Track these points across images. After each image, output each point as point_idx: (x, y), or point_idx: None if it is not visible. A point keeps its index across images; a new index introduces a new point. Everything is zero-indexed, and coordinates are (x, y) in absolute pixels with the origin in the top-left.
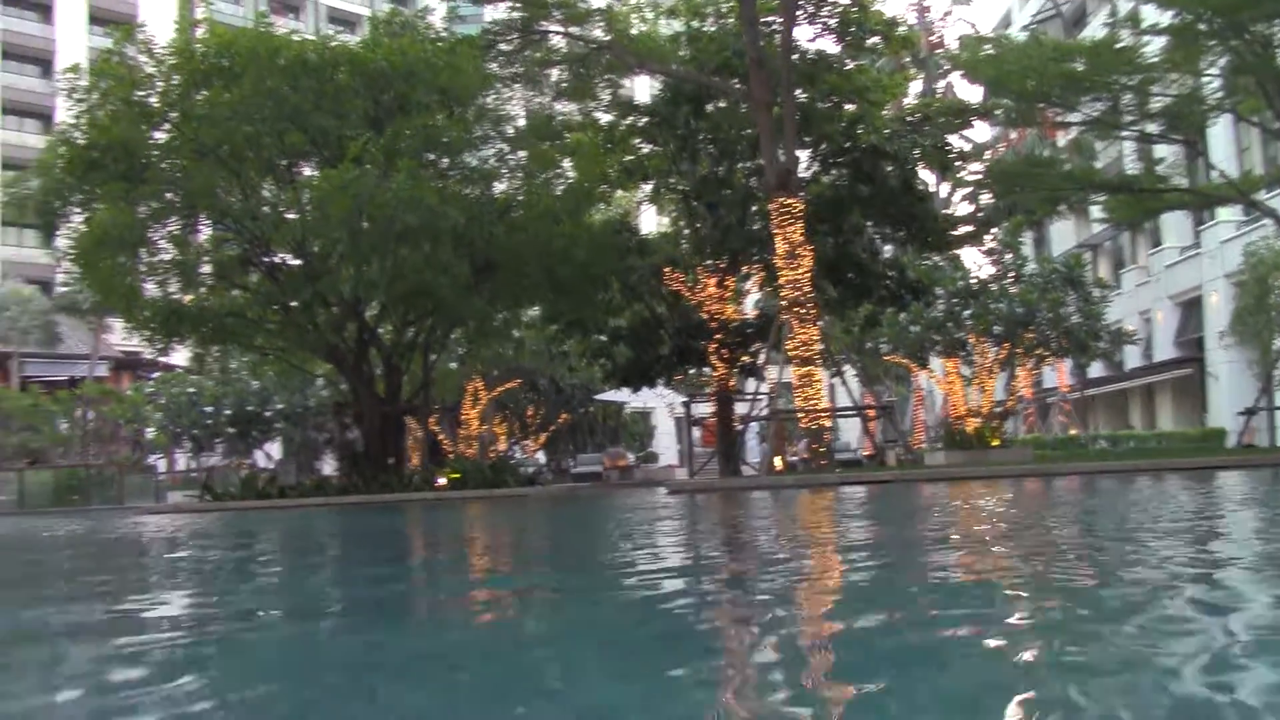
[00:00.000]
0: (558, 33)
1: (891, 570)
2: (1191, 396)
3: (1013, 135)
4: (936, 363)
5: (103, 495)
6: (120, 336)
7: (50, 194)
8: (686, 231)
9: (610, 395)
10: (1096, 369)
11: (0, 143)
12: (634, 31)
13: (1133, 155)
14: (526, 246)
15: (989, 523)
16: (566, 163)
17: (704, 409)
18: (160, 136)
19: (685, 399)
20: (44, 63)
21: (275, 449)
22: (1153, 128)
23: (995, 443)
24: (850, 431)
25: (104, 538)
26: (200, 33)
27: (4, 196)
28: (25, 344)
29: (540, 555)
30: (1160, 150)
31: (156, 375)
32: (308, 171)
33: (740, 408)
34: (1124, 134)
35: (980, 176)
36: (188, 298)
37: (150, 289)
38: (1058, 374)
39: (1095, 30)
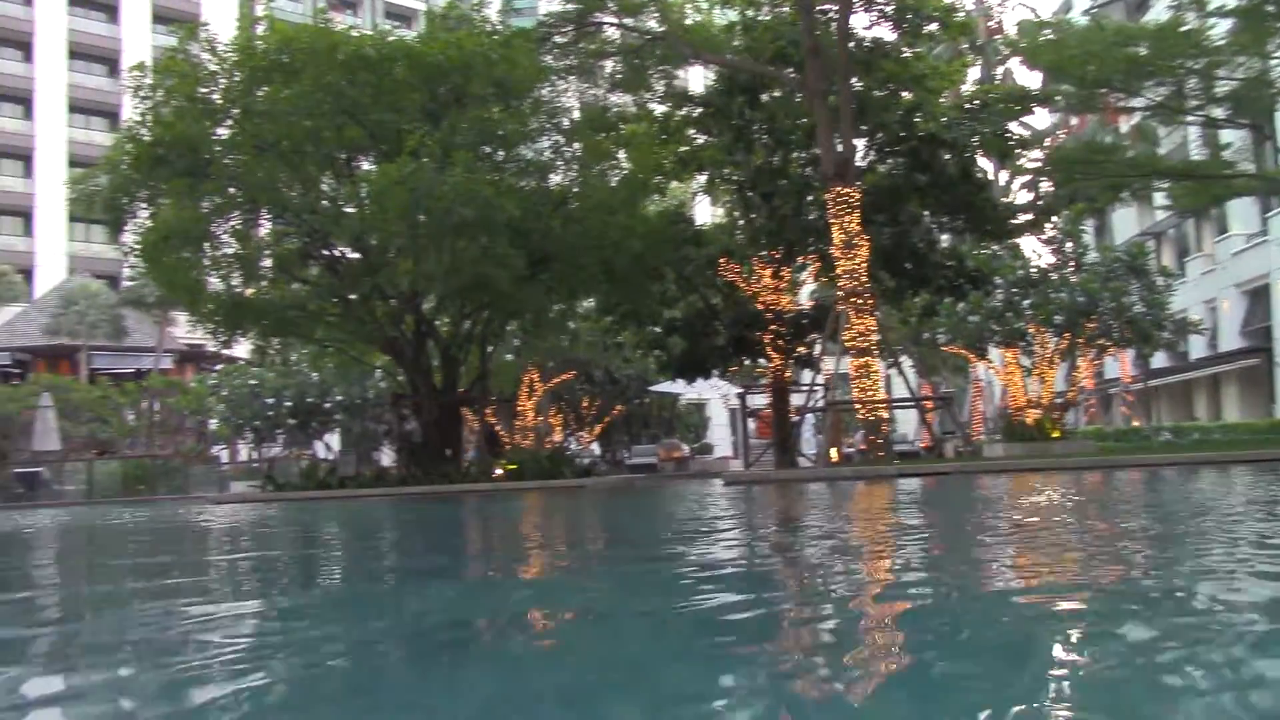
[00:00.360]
0: (612, 24)
1: (1043, 568)
2: (1259, 387)
3: (1073, 122)
4: (995, 353)
5: (168, 485)
6: (184, 330)
7: (117, 190)
8: (741, 222)
9: (665, 387)
10: (1160, 359)
11: (68, 140)
12: (688, 22)
13: (1198, 141)
14: (582, 238)
15: (1089, 517)
16: (621, 154)
17: (759, 400)
18: (223, 132)
19: (740, 390)
20: (110, 62)
21: (334, 440)
22: (1219, 112)
23: (1056, 435)
24: (907, 423)
25: (214, 526)
26: (261, 30)
27: (72, 193)
28: (93, 337)
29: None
30: (1226, 135)
31: (219, 368)
32: (366, 165)
33: (796, 399)
34: (1189, 119)
35: (1040, 164)
36: (250, 291)
37: (213, 283)
38: (1120, 364)
39: (1159, 13)
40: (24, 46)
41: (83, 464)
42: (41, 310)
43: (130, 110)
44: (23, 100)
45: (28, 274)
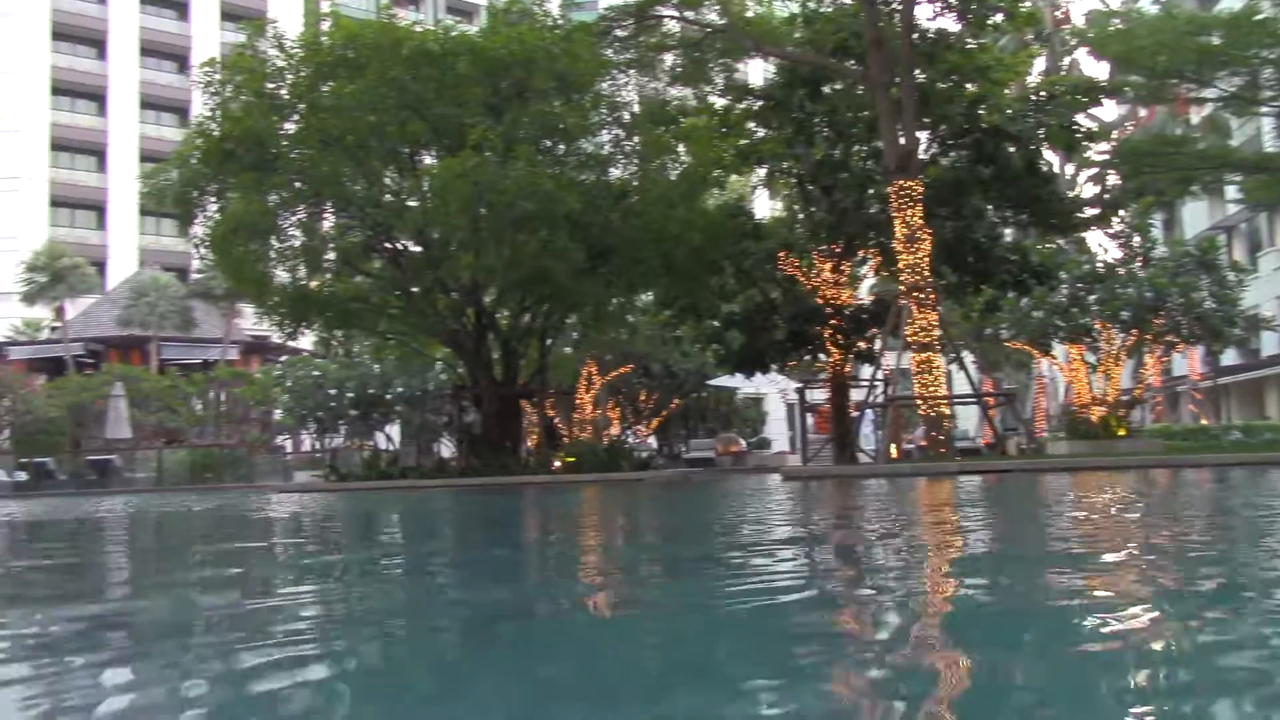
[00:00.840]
0: (673, 17)
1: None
2: None
3: (1142, 113)
4: (1059, 349)
5: (234, 474)
6: (250, 321)
7: (187, 184)
8: (801, 216)
9: (722, 381)
10: (1230, 356)
11: (139, 136)
12: (749, 14)
13: (1272, 132)
14: (641, 232)
15: (1178, 516)
16: (681, 148)
17: (818, 395)
18: (289, 127)
19: (799, 385)
20: (180, 59)
21: (394, 432)
22: None
23: (1122, 432)
24: (967, 420)
25: (298, 512)
26: (327, 26)
27: (144, 188)
28: (163, 328)
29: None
30: None
31: (284, 359)
32: (428, 160)
33: (855, 394)
34: (1263, 110)
35: (1108, 157)
36: (314, 284)
37: (279, 275)
38: (1188, 361)
39: (1233, 2)
40: (98, 45)
41: (152, 452)
42: (114, 302)
43: (200, 106)
44: (97, 97)
45: (101, 267)
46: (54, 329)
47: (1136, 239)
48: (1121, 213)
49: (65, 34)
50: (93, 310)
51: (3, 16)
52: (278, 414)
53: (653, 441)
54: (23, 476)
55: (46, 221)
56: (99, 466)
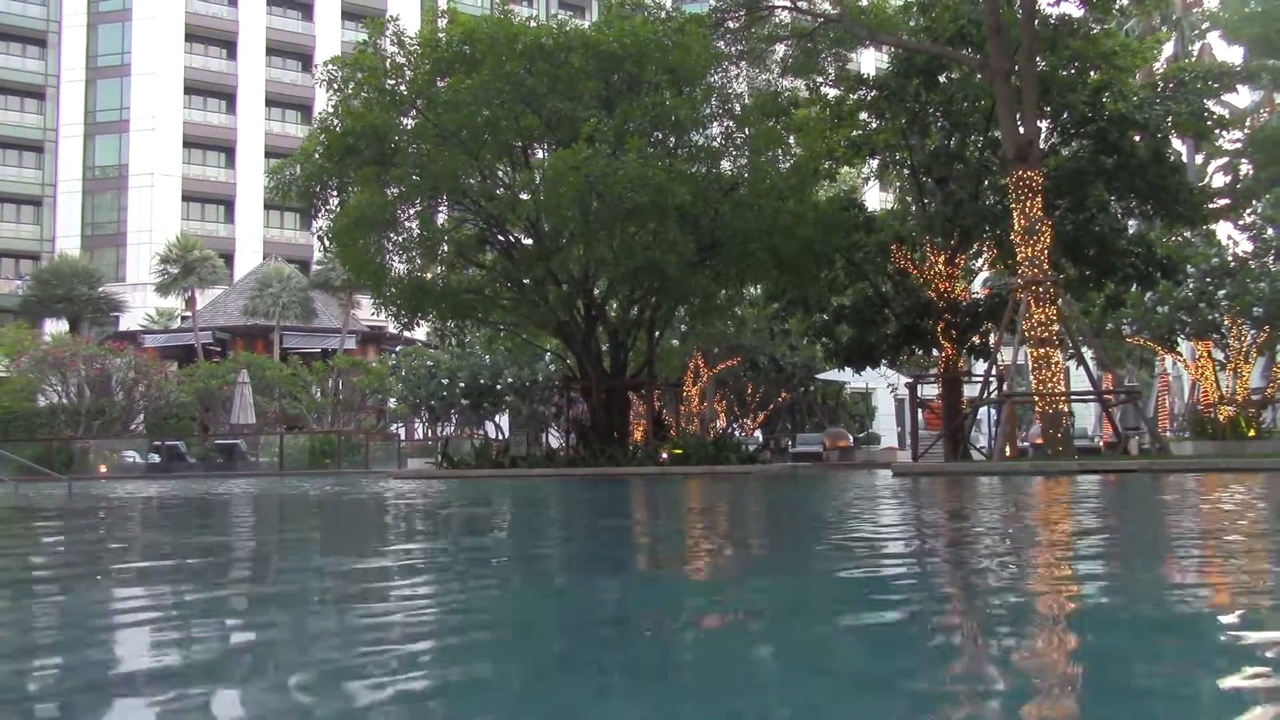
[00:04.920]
0: (785, 8)
1: None
2: None
3: (1278, 99)
4: (1185, 346)
5: (350, 460)
6: (367, 312)
7: (310, 179)
8: (915, 208)
9: (830, 375)
10: None
11: (265, 133)
12: (863, 2)
13: None
14: (751, 224)
15: None
16: (792, 139)
17: (929, 390)
18: (408, 122)
19: (909, 380)
20: (304, 58)
21: (504, 421)
22: None
23: (1251, 433)
24: (1085, 418)
25: (453, 496)
26: (444, 22)
27: (269, 182)
28: (286, 318)
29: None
30: None
31: (399, 349)
32: (540, 153)
33: (968, 390)
34: None
35: (1240, 145)
36: (429, 275)
37: (397, 267)
38: None
39: None
40: (229, 45)
41: (274, 437)
42: (240, 293)
43: (322, 103)
44: (226, 96)
45: (228, 259)
46: (184, 318)
47: (1270, 231)
48: (1254, 203)
49: (197, 35)
50: (220, 300)
51: (144, 20)
52: (392, 402)
53: (759, 435)
54: (156, 459)
55: (179, 215)
56: (225, 451)
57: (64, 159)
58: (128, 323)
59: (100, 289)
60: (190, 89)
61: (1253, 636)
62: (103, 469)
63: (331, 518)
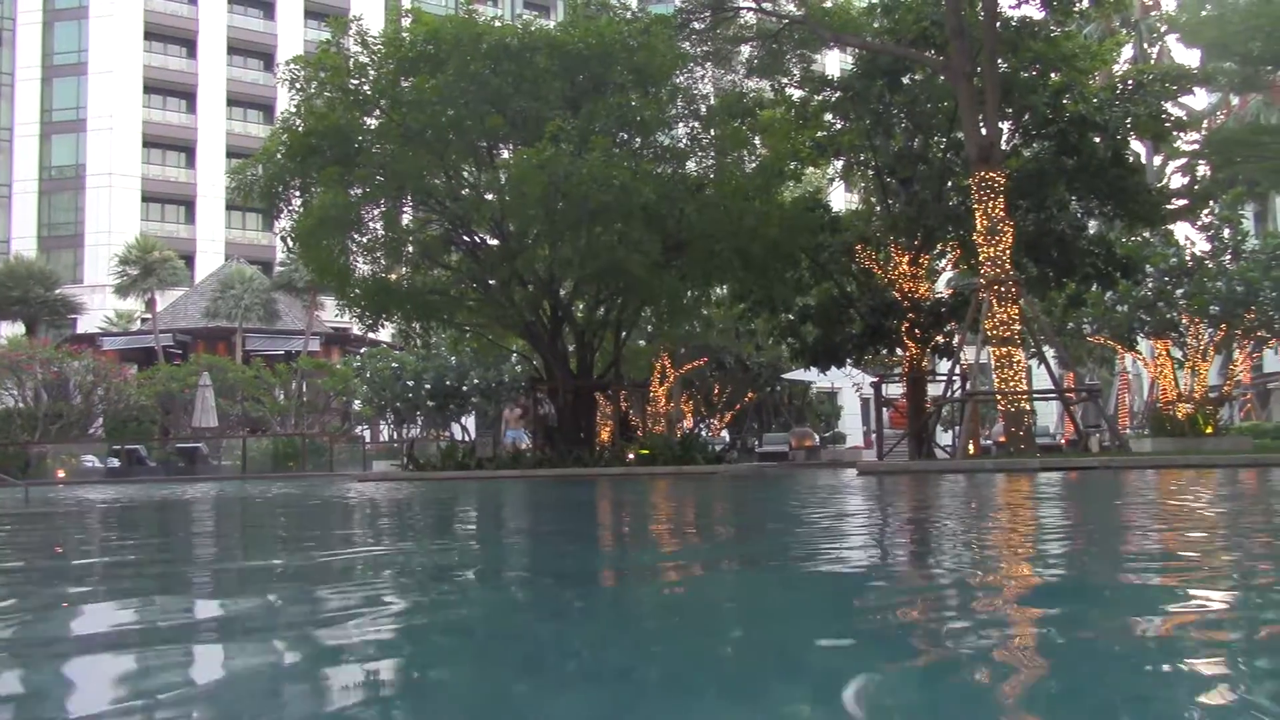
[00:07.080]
0: (750, 9)
1: None
2: None
3: (1235, 101)
4: (1145, 344)
5: (314, 462)
6: (332, 313)
7: (273, 179)
8: (879, 208)
9: (797, 375)
10: None
11: (226, 133)
12: (827, 4)
13: None
14: (717, 224)
15: None
16: (757, 140)
17: (894, 389)
18: (371, 122)
19: (875, 379)
20: (266, 57)
21: (470, 422)
22: None
23: (1209, 430)
24: (1047, 416)
25: (414, 499)
26: (408, 22)
27: (230, 183)
28: (248, 320)
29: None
30: None
31: (364, 350)
32: (506, 154)
33: (933, 389)
34: None
35: (1197, 146)
36: (394, 276)
37: (361, 268)
38: None
39: None
40: (188, 44)
41: (237, 440)
42: (201, 294)
43: (285, 102)
44: (187, 95)
45: (189, 260)
46: (144, 320)
47: (1227, 231)
48: (1211, 204)
49: (157, 34)
50: (181, 302)
51: (101, 18)
52: (357, 404)
53: (725, 435)
54: (115, 463)
55: (138, 216)
56: (187, 454)
57: (19, 159)
58: (86, 325)
59: (57, 291)
60: (149, 88)
61: (1190, 607)
62: (61, 474)
63: (264, 519)
